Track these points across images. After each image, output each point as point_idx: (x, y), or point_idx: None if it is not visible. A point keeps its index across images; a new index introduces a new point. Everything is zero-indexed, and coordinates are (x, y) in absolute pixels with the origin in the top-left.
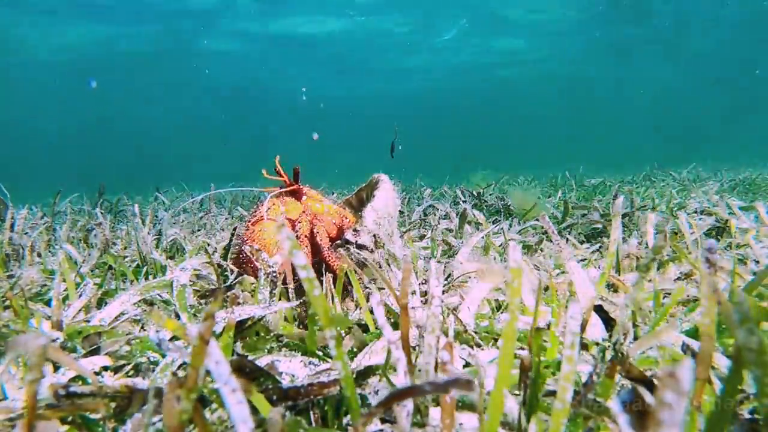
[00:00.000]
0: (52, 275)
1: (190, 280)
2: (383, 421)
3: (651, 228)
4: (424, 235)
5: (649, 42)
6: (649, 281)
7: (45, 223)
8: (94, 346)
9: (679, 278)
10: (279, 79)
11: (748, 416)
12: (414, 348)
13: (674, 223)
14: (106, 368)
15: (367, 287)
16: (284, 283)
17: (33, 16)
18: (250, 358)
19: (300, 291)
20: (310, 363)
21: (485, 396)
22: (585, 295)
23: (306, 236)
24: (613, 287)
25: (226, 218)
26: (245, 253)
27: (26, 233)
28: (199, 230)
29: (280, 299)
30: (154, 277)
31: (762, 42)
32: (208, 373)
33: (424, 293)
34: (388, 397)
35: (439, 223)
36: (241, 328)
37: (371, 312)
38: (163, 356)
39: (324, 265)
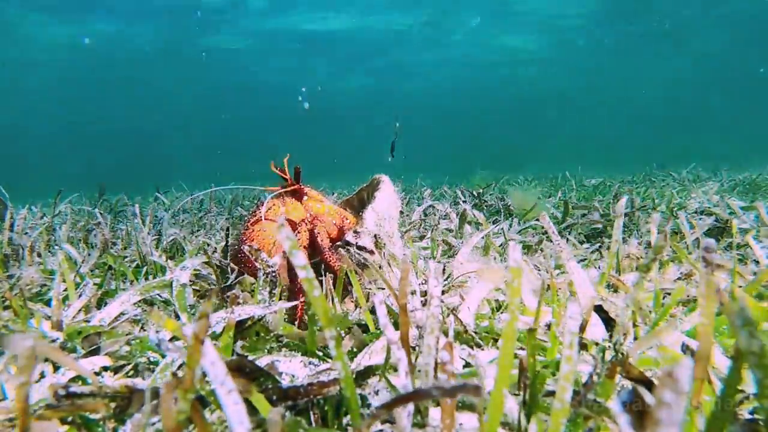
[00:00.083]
0: (51, 275)
1: (190, 280)
2: (383, 421)
3: (655, 228)
4: (424, 235)
5: (653, 41)
6: (649, 281)
7: (45, 223)
8: (94, 347)
9: (679, 278)
10: (281, 77)
11: (748, 416)
12: (413, 348)
13: (674, 223)
14: (106, 368)
15: (367, 288)
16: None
17: (36, 14)
18: (250, 358)
19: (290, 293)
20: (310, 363)
21: (485, 396)
22: (585, 295)
23: (304, 246)
24: (613, 287)
25: (226, 218)
26: (244, 253)
27: (26, 233)
28: (198, 230)
29: (279, 299)
30: (154, 277)
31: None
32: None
33: (425, 293)
34: (394, 400)
35: (439, 223)
36: (241, 328)
37: (371, 312)
38: (163, 356)
39: (324, 266)
